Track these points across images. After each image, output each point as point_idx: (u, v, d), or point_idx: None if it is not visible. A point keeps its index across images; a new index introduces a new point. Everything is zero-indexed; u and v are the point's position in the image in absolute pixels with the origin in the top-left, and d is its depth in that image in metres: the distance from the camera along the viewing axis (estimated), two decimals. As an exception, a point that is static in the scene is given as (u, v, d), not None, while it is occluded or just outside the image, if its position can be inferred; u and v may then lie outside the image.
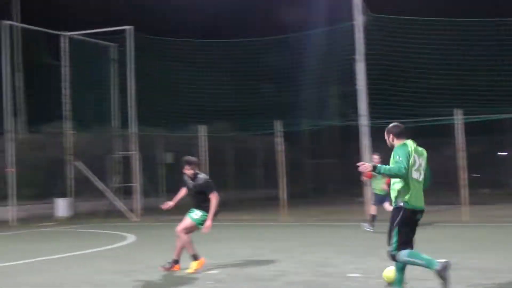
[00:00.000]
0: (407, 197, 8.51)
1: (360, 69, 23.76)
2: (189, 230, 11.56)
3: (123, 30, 28.15)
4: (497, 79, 25.28)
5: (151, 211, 29.08)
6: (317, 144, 39.43)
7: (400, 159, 8.45)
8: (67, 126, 28.62)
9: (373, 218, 17.76)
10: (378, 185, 17.53)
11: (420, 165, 8.64)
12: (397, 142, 8.78)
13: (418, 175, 8.59)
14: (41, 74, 30.94)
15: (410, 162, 8.47)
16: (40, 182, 28.98)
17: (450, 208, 24.02)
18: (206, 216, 11.51)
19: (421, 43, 25.54)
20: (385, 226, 8.96)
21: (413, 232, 8.66)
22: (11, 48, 27.28)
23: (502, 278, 9.88)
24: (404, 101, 24.58)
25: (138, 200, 27.44)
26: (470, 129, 22.95)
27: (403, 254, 8.45)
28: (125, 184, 28.35)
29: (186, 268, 11.40)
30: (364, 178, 8.76)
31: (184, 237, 11.48)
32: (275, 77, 30.73)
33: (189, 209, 11.78)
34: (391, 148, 8.77)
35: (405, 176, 8.42)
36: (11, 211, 25.29)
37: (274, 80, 30.83)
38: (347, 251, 13.61)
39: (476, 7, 29.79)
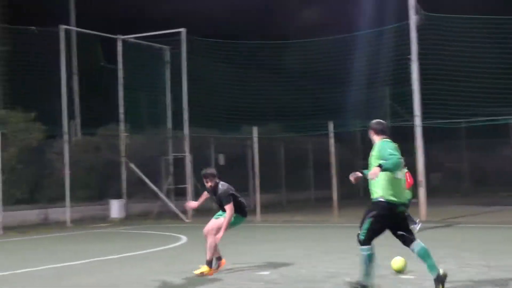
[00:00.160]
0: (388, 192, 8.69)
1: (414, 69, 23.48)
2: (223, 230, 11.34)
3: (177, 33, 28.37)
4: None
5: (203, 213, 29.25)
6: (368, 145, 39.14)
7: (391, 151, 8.64)
8: (122, 129, 28.93)
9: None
10: None
11: (403, 162, 8.80)
12: (377, 138, 9.03)
13: (400, 174, 8.86)
14: (96, 77, 31.42)
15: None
16: (95, 184, 29.38)
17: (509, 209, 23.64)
18: (235, 214, 11.43)
19: (476, 42, 25.15)
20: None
21: (390, 227, 8.88)
22: (67, 51, 27.68)
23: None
24: (458, 101, 24.26)
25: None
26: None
27: (363, 252, 8.86)
28: (177, 185, 28.56)
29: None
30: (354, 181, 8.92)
31: (211, 239, 11.34)
32: (327, 77, 30.61)
33: (216, 213, 11.72)
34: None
35: (400, 167, 8.62)
36: (66, 212, 25.67)
37: (326, 80, 30.70)
38: (401, 253, 13.43)
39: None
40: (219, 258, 11.68)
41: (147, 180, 28.16)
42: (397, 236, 9.11)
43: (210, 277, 11.16)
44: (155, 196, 28.39)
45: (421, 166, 23.25)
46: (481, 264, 11.55)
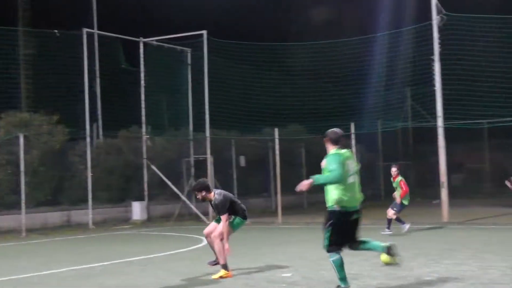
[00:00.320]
0: (342, 200, 9.09)
1: (436, 69, 23.37)
2: (228, 233, 11.45)
3: (198, 35, 28.46)
4: None
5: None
6: (390, 146, 38.99)
7: (335, 166, 9.01)
8: (143, 131, 29.05)
9: (390, 221, 18.71)
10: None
11: (354, 168, 9.29)
12: (331, 148, 9.38)
13: (353, 179, 9.21)
14: (118, 80, 31.59)
15: (344, 168, 9.02)
16: (116, 186, 29.52)
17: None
18: (236, 218, 11.57)
19: (497, 42, 24.99)
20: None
21: (348, 232, 9.30)
22: (89, 55, 27.84)
23: None
24: (480, 102, 24.12)
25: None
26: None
27: (332, 258, 9.27)
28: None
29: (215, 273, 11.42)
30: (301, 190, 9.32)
31: (218, 244, 11.39)
32: (349, 78, 30.55)
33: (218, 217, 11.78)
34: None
35: (341, 182, 9.00)
36: (89, 214, 25.82)
37: (347, 81, 30.64)
38: (422, 254, 13.41)
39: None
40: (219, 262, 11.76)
41: (168, 182, 28.25)
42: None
43: (231, 279, 11.18)
44: (177, 198, 28.48)
45: (443, 167, 23.14)
46: (504, 266, 11.47)
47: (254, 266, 12.66)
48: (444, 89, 23.50)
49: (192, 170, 29.38)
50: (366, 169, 34.26)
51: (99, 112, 30.90)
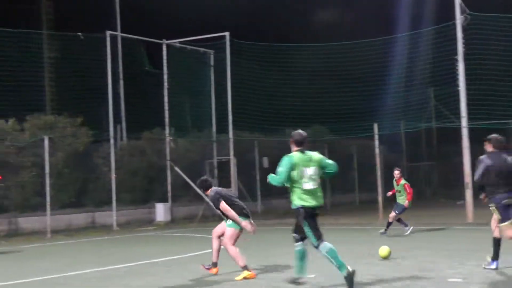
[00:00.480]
0: (302, 201, 9.52)
1: (460, 69, 23.23)
2: (232, 238, 11.54)
3: (221, 37, 28.52)
4: None
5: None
6: (414, 146, 38.80)
7: (281, 169, 9.48)
8: (166, 132, 29.15)
9: (389, 224, 18.76)
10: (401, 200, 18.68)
11: (311, 174, 9.56)
12: (294, 149, 9.72)
13: (309, 185, 9.54)
14: (141, 82, 31.75)
15: (296, 174, 9.44)
16: (140, 188, 29.66)
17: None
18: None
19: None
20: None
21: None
22: (113, 57, 28.01)
23: None
24: (505, 101, 23.93)
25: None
26: None
27: (324, 249, 9.62)
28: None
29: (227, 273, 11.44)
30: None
31: (232, 249, 11.49)
32: (372, 79, 30.46)
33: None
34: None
35: (281, 185, 9.52)
36: (113, 216, 25.96)
37: (371, 82, 30.55)
38: (446, 255, 13.33)
39: None
40: (215, 264, 11.86)
41: (192, 184, 28.32)
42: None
43: (254, 280, 11.19)
44: (200, 199, 28.54)
45: (467, 168, 22.99)
46: (530, 267, 11.37)
47: (278, 267, 12.65)
48: (468, 89, 23.36)
49: (215, 171, 29.43)
50: (389, 170, 34.20)
51: (123, 114, 31.07)
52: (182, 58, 29.89)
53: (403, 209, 18.54)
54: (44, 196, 23.81)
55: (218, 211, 11.84)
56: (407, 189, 18.52)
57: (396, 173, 18.93)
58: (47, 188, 23.53)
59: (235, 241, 11.56)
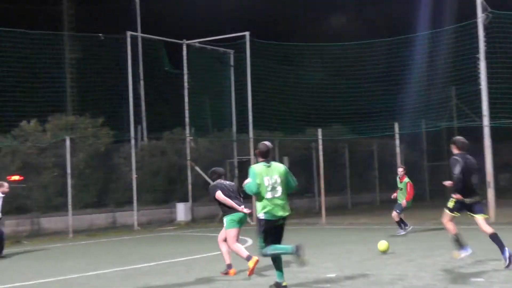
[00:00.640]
0: (264, 211, 9.87)
1: (482, 68, 23.07)
2: (234, 238, 11.76)
3: (241, 36, 28.53)
4: None
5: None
6: (435, 145, 38.58)
7: (250, 179, 9.90)
8: (187, 132, 29.21)
9: (400, 223, 18.72)
10: (401, 198, 18.74)
11: (274, 183, 9.86)
12: (259, 160, 10.11)
13: (272, 194, 9.84)
14: (161, 82, 31.86)
15: (260, 183, 9.79)
16: (161, 188, 29.75)
17: None
18: (229, 218, 11.87)
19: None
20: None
21: (275, 235, 10.01)
22: (133, 57, 28.11)
23: None
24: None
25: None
26: None
27: (267, 250, 9.93)
28: (242, 188, 28.66)
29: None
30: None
31: (235, 247, 11.66)
32: (392, 78, 30.33)
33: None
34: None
35: (255, 193, 9.87)
36: (134, 216, 26.05)
37: (391, 81, 30.42)
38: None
39: None
40: (229, 266, 11.94)
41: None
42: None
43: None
44: (220, 199, 28.51)
45: (489, 167, 22.83)
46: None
47: (299, 267, 12.63)
48: (489, 87, 23.20)
49: (236, 171, 29.45)
50: (410, 169, 34.02)
51: (143, 114, 31.18)
52: (202, 58, 29.94)
53: (403, 208, 18.45)
54: (66, 197, 23.98)
55: (216, 203, 12.17)
56: (409, 189, 18.51)
57: (400, 170, 19.01)
58: (69, 189, 23.68)
59: (237, 239, 11.79)
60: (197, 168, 28.69)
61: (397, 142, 24.31)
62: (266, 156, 10.12)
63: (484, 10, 23.01)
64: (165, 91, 32.04)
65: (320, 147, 25.51)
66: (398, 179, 19.08)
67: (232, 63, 30.23)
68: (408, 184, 18.66)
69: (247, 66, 28.35)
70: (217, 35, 29.45)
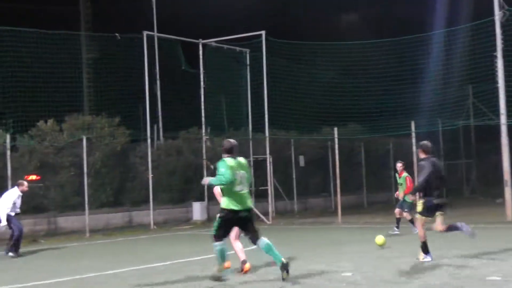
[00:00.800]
0: (229, 203, 10.58)
1: (499, 66, 22.93)
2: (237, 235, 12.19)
3: (257, 35, 28.52)
4: None
5: (284, 215, 29.33)
6: (451, 144, 38.42)
7: (223, 170, 10.50)
8: (203, 132, 29.26)
9: (399, 221, 18.83)
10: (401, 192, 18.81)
11: (241, 177, 10.64)
12: (225, 156, 10.79)
13: (240, 187, 10.61)
14: (177, 82, 31.90)
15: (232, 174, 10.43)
16: (177, 187, 29.80)
17: None
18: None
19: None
20: None
21: (236, 226, 10.96)
22: (150, 57, 28.17)
23: None
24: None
25: (270, 203, 27.77)
26: None
27: (215, 246, 10.71)
28: (258, 187, 28.72)
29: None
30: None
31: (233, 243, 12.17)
32: (408, 76, 30.23)
33: None
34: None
35: (226, 185, 10.50)
36: (150, 215, 26.10)
37: (407, 80, 30.32)
38: (485, 253, 13.19)
39: None
40: (244, 262, 11.99)
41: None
42: (246, 236, 11.01)
43: (291, 278, 11.17)
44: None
45: (506, 165, 22.69)
46: None
47: (314, 265, 12.64)
48: (507, 85, 23.05)
49: (252, 170, 29.45)
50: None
51: (160, 114, 31.25)
52: (218, 57, 29.98)
53: (410, 205, 18.30)
54: (82, 196, 24.10)
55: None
56: (408, 182, 18.51)
57: (399, 165, 19.11)
58: (85, 188, 23.79)
59: (238, 236, 12.16)
60: (213, 167, 28.71)
61: (413, 140, 24.19)
62: (231, 152, 10.88)
63: (501, 7, 22.88)
64: (181, 90, 32.08)
65: (336, 146, 25.46)
66: (397, 175, 19.16)
67: (248, 62, 30.24)
68: (407, 178, 18.75)
69: (263, 65, 28.34)
70: (233, 34, 29.49)
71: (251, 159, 29.57)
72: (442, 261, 12.46)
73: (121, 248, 19.34)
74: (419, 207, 12.58)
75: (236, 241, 12.21)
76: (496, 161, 25.28)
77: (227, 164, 10.59)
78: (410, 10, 39.96)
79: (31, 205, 23.13)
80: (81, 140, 24.29)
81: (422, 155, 12.83)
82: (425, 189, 12.47)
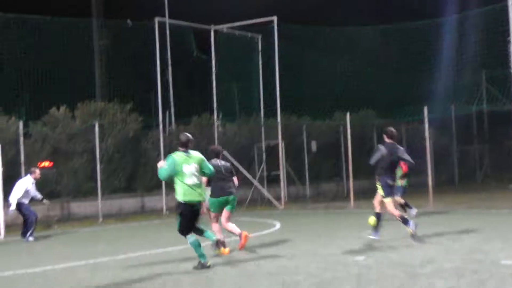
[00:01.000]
0: (182, 195, 10.94)
1: (512, 51, 22.81)
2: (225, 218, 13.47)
3: (268, 21, 28.43)
4: None
5: (296, 200, 29.33)
6: (464, 130, 38.23)
7: (165, 166, 11.04)
8: (215, 118, 29.27)
9: (406, 204, 18.42)
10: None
11: (192, 171, 11.01)
12: (180, 149, 11.21)
13: (191, 180, 10.97)
14: (189, 68, 31.88)
15: (178, 170, 10.91)
16: (189, 172, 29.79)
17: None
18: (210, 200, 13.45)
19: None
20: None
21: (194, 219, 11.22)
22: (161, 43, 28.16)
23: None
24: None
25: (283, 188, 27.77)
26: None
27: (189, 241, 11.11)
28: (271, 172, 28.71)
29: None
30: None
31: (225, 225, 13.32)
32: (421, 62, 30.10)
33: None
34: None
35: (164, 180, 11.59)
36: (163, 200, 26.15)
37: (420, 65, 30.19)
38: (498, 238, 13.16)
39: None
40: (239, 235, 13.01)
41: (240, 168, 28.34)
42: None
43: (303, 262, 11.20)
44: (249, 184, 28.57)
45: (520, 151, 22.59)
46: None
47: (327, 249, 12.67)
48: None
49: (264, 155, 29.46)
50: (439, 153, 33.74)
51: (172, 100, 31.26)
52: (230, 43, 29.93)
53: (403, 189, 18.17)
54: (95, 182, 24.19)
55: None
56: (402, 166, 18.23)
57: None
58: (98, 174, 23.90)
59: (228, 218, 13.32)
60: (226, 153, 28.72)
61: (426, 126, 24.10)
62: (186, 146, 11.26)
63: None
64: (193, 76, 32.06)
65: (349, 131, 25.40)
66: None
67: (260, 48, 30.17)
68: (401, 162, 18.46)
69: (275, 51, 28.27)
70: (244, 20, 29.38)
71: (263, 144, 29.59)
72: (455, 246, 12.44)
73: (134, 233, 19.44)
74: (380, 191, 13.56)
75: (227, 223, 13.15)
76: (509, 147, 25.17)
77: (172, 159, 11.02)
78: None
79: (44, 191, 23.21)
80: (94, 126, 24.36)
81: (387, 140, 13.89)
82: (377, 170, 13.69)
